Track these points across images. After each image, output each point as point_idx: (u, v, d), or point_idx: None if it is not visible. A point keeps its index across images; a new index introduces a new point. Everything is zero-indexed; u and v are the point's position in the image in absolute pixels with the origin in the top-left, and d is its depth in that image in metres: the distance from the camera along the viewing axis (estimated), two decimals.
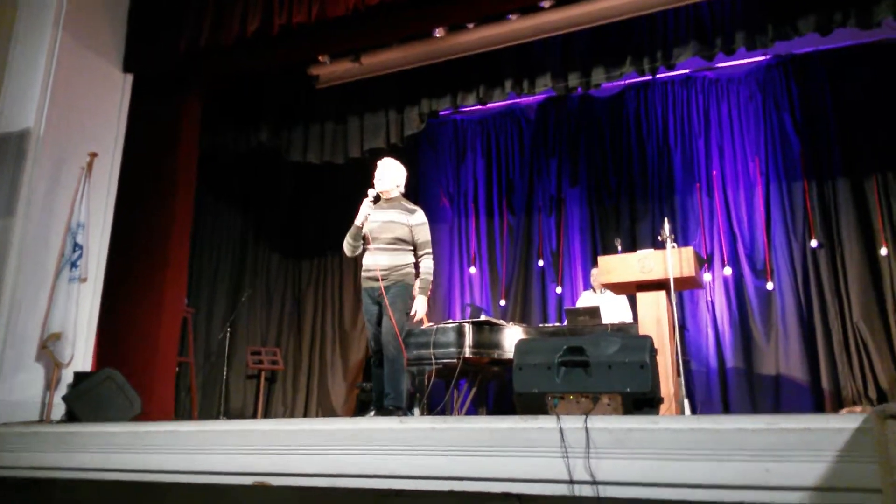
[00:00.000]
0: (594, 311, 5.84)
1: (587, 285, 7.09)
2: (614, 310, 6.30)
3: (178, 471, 3.33)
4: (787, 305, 6.58)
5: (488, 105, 7.42)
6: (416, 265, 4.17)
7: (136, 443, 3.51)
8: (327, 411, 7.77)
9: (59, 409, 4.63)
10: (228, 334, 7.49)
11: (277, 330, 8.27)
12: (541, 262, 7.68)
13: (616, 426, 2.51)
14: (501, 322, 6.12)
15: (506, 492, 2.63)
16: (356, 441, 2.99)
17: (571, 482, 2.51)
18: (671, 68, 5.44)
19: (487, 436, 2.71)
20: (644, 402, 2.65)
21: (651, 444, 2.43)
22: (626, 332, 5.45)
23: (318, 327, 8.22)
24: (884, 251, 6.24)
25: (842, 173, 6.61)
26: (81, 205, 5.05)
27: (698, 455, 2.36)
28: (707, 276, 6.79)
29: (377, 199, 4.23)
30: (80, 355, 5.03)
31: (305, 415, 7.84)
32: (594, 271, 6.51)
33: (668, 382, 4.34)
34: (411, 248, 4.11)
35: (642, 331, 4.58)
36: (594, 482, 2.47)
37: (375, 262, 4.03)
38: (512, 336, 5.95)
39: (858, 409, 5.70)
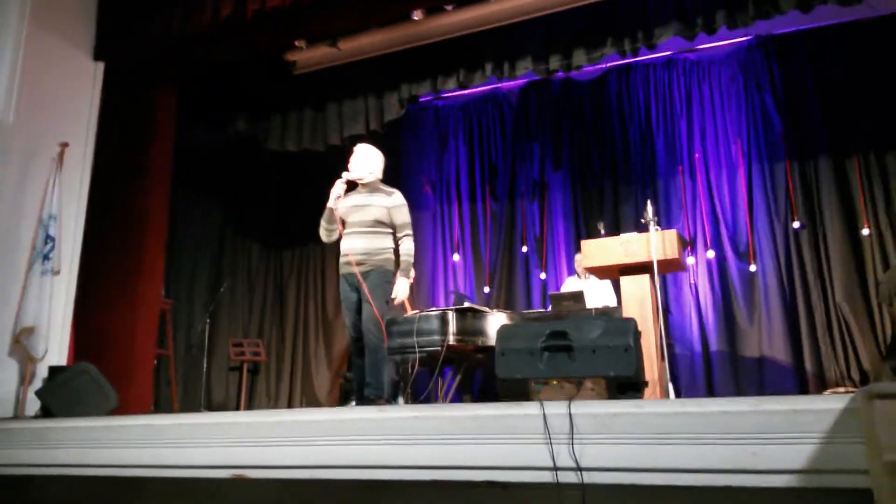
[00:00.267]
0: (578, 296, 5.80)
1: (571, 271, 7.06)
2: (598, 295, 6.27)
3: (155, 465, 3.26)
4: (770, 287, 6.58)
5: (470, 90, 7.34)
6: (396, 250, 4.09)
7: (112, 437, 3.43)
8: (311, 401, 7.70)
9: (33, 405, 4.52)
10: (209, 326, 7.38)
11: (259, 321, 8.18)
12: (524, 248, 7.64)
13: (600, 411, 2.46)
14: (485, 309, 6.07)
15: (489, 480, 2.59)
16: (337, 432, 2.93)
17: (556, 469, 2.46)
18: (652, 48, 5.39)
19: (470, 423, 2.66)
20: (628, 385, 2.61)
21: (636, 428, 2.39)
22: (610, 316, 5.42)
23: (301, 317, 8.14)
24: (866, 231, 6.25)
25: (824, 154, 6.60)
26: (53, 196, 4.93)
27: (684, 439, 2.33)
28: (690, 260, 6.78)
29: (353, 185, 4.13)
30: (55, 349, 4.93)
31: (289, 406, 7.77)
32: (578, 257, 6.48)
33: (653, 366, 4.31)
34: (390, 231, 4.01)
35: (626, 314, 4.55)
36: (578, 468, 2.43)
37: (352, 246, 3.94)
38: (496, 323, 5.89)
39: (842, 390, 5.73)
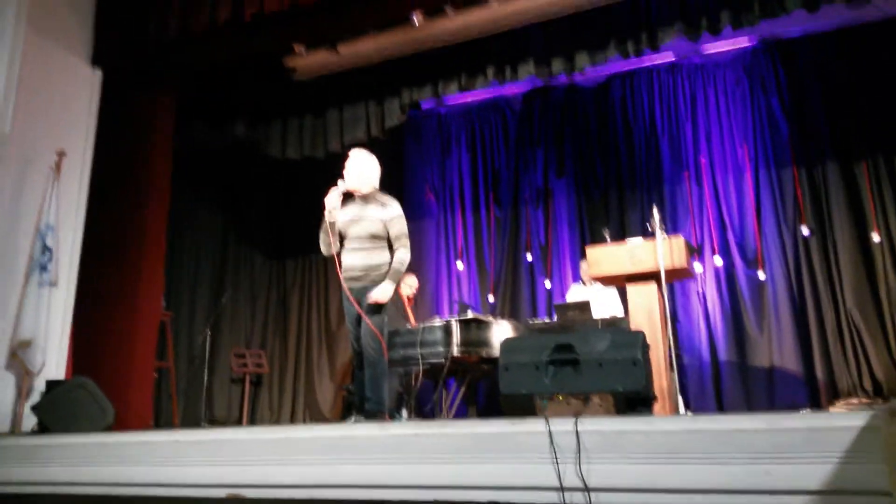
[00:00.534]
0: (584, 307, 5.69)
1: (576, 278, 6.96)
2: (604, 303, 6.16)
3: (149, 483, 3.18)
4: (780, 295, 6.46)
5: (472, 97, 7.28)
6: (395, 263, 3.99)
7: (106, 455, 3.36)
8: (315, 414, 7.61)
9: (30, 420, 4.44)
10: (210, 337, 7.30)
11: (262, 332, 8.11)
12: (529, 256, 7.54)
13: (608, 429, 2.37)
14: (490, 319, 5.98)
15: (493, 501, 2.49)
16: (336, 450, 2.85)
17: (562, 489, 2.37)
18: (656, 50, 5.30)
19: (472, 441, 2.57)
20: (638, 400, 2.51)
21: (645, 447, 2.30)
22: (618, 327, 5.31)
23: (304, 328, 8.06)
24: (876, 237, 6.13)
25: (832, 158, 6.49)
26: (51, 206, 4.86)
27: (696, 458, 2.23)
28: (698, 267, 6.66)
29: (349, 195, 4.03)
30: (53, 363, 4.85)
31: (292, 418, 7.68)
32: (583, 264, 6.37)
33: (661, 377, 4.21)
34: (387, 244, 3.91)
35: (634, 324, 4.45)
36: (586, 489, 2.34)
37: (352, 262, 3.85)
38: (500, 333, 5.80)
39: (855, 401, 5.61)
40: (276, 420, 7.69)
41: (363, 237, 3.85)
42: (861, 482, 2.01)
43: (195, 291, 7.67)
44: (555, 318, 6.03)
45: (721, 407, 6.37)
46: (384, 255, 3.87)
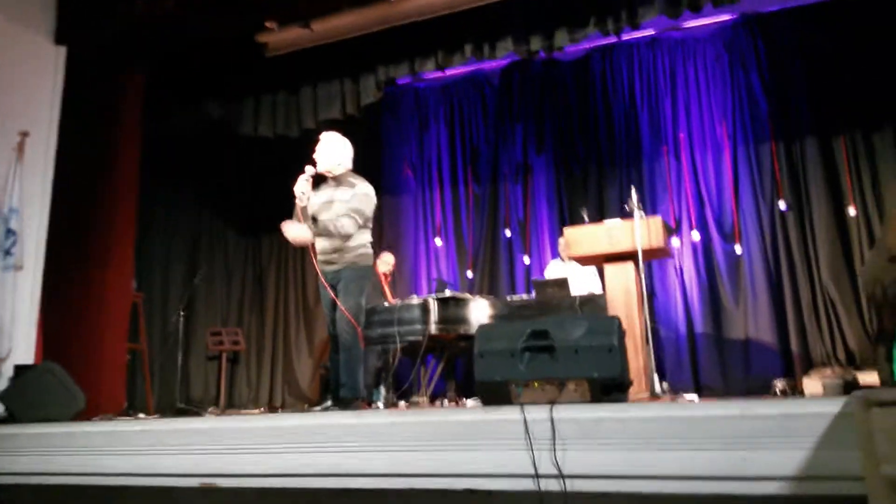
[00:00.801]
0: (562, 283, 5.69)
1: (555, 254, 6.94)
2: (582, 279, 6.16)
3: (119, 472, 3.12)
4: (756, 268, 6.51)
5: (450, 71, 7.15)
6: (371, 245, 3.92)
7: (75, 444, 3.29)
8: (294, 391, 7.58)
9: None
10: (185, 317, 7.20)
11: (238, 310, 8.03)
12: (508, 232, 7.51)
13: (583, 416, 2.35)
14: (467, 296, 5.96)
15: (469, 488, 2.47)
16: (311, 438, 2.80)
17: (537, 476, 2.35)
18: (636, 27, 5.22)
19: (448, 429, 2.54)
20: (613, 387, 2.49)
21: (620, 434, 2.28)
22: (595, 304, 5.32)
23: (281, 305, 7.99)
24: (852, 211, 6.18)
25: (810, 134, 6.49)
26: (14, 188, 4.71)
27: (671, 445, 2.22)
28: (676, 242, 6.68)
29: (322, 178, 3.95)
30: (21, 348, 4.74)
31: (271, 396, 7.64)
32: (561, 240, 6.35)
33: (638, 354, 4.21)
34: (359, 226, 3.83)
35: (611, 302, 4.44)
36: (561, 475, 2.32)
37: (323, 245, 3.78)
38: (478, 310, 5.79)
39: (828, 371, 5.69)
40: (254, 397, 7.65)
41: (333, 220, 3.77)
42: (835, 468, 2.01)
43: (168, 271, 7.57)
44: (533, 295, 6.02)
45: (697, 380, 6.44)
46: (357, 237, 3.80)
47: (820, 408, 2.07)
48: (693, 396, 4.36)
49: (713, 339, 6.55)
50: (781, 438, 2.09)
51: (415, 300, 5.74)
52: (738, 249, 6.58)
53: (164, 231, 7.61)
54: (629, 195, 4.39)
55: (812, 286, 6.23)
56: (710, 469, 2.16)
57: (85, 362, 4.77)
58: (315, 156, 3.92)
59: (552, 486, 2.34)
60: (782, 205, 6.47)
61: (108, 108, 5.49)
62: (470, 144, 7.84)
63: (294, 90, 5.98)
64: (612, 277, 4.43)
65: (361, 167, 4.18)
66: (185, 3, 4.94)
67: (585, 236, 4.48)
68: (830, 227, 6.26)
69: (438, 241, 7.76)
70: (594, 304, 5.40)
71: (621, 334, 2.54)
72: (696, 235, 6.74)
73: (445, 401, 5.98)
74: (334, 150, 3.91)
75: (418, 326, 5.57)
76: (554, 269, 6.51)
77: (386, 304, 5.97)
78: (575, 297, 5.58)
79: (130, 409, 5.65)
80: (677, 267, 6.77)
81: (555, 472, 2.33)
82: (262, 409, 7.06)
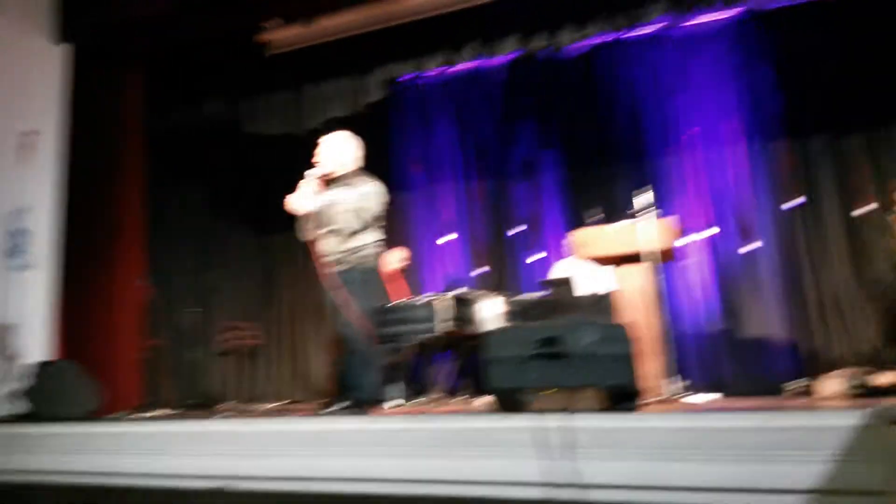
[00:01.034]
0: (567, 282, 5.64)
1: (560, 253, 6.90)
2: (595, 276, 6.10)
3: (132, 473, 3.13)
4: (768, 266, 6.45)
5: (457, 68, 7.10)
6: (376, 244, 3.88)
7: (88, 444, 3.31)
8: (309, 387, 7.59)
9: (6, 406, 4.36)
10: (201, 312, 7.21)
11: (254, 305, 8.04)
12: (516, 229, 7.47)
13: (599, 425, 2.34)
14: (476, 293, 5.93)
15: (480, 496, 2.47)
16: (323, 443, 2.81)
17: (551, 485, 2.34)
18: (644, 24, 5.16)
19: (460, 436, 2.54)
20: (623, 395, 2.47)
21: (638, 443, 2.27)
22: (603, 304, 5.27)
23: (296, 300, 7.99)
24: (864, 208, 6.11)
25: (821, 129, 6.43)
26: (24, 188, 4.71)
27: (689, 455, 2.20)
28: (689, 240, 6.63)
29: (331, 180, 3.92)
30: (36, 347, 4.76)
31: (287, 392, 7.65)
32: (571, 237, 6.31)
33: (655, 355, 4.19)
34: (365, 226, 3.78)
35: (627, 303, 4.41)
36: (575, 485, 2.31)
37: (328, 248, 3.76)
38: (489, 307, 5.76)
39: (846, 371, 5.62)
40: (274, 391, 7.67)
41: (337, 221, 3.74)
42: (854, 482, 1.99)
43: (181, 266, 7.57)
44: (544, 293, 5.98)
45: (715, 379, 6.38)
46: (362, 238, 3.77)
47: (840, 421, 2.05)
48: (715, 395, 4.32)
49: (725, 339, 6.50)
50: (801, 451, 2.07)
51: (423, 298, 5.72)
52: (751, 247, 6.53)
53: (176, 227, 7.60)
54: (642, 192, 4.35)
55: (825, 284, 6.17)
56: (729, 481, 2.15)
57: (100, 360, 4.81)
58: (315, 159, 3.90)
59: (566, 495, 2.33)
60: (794, 201, 6.41)
61: (112, 103, 5.50)
62: (476, 141, 7.77)
63: (298, 89, 5.96)
64: (625, 278, 4.40)
65: (368, 165, 4.14)
66: (186, 2, 4.90)
67: (596, 237, 4.46)
68: (843, 223, 6.20)
69: (446, 239, 7.72)
70: (601, 305, 5.36)
71: (633, 341, 2.51)
72: (707, 233, 6.69)
73: (465, 396, 5.92)
74: (336, 151, 3.89)
75: (427, 325, 5.53)
76: (564, 268, 6.47)
77: (396, 302, 5.95)
78: (583, 297, 5.53)
79: (148, 406, 5.66)
80: (688, 265, 6.72)
81: (569, 481, 2.32)
82: (278, 403, 7.04)
